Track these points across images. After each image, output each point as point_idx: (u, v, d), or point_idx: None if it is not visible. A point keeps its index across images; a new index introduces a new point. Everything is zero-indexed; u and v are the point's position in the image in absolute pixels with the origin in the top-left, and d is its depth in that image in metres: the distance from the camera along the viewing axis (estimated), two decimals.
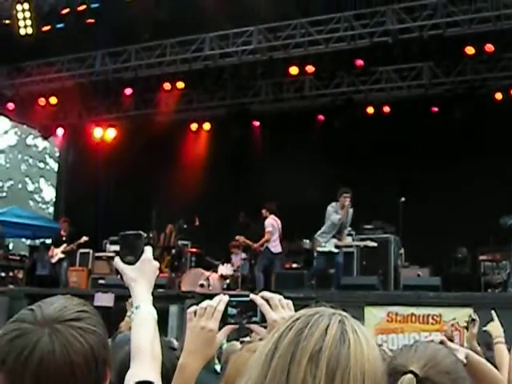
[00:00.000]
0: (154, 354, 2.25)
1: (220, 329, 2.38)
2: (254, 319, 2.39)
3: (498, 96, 17.33)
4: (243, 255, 17.11)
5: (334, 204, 14.43)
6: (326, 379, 1.44)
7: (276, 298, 2.39)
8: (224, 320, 2.39)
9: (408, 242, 15.49)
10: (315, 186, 16.67)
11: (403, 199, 15.15)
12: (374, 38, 16.01)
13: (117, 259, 2.47)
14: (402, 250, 15.68)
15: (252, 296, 2.39)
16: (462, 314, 11.93)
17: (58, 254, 17.74)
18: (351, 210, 14.48)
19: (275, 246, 15.97)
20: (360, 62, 17.25)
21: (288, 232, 15.97)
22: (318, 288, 14.44)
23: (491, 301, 12.47)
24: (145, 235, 2.53)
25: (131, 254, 2.46)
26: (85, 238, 17.68)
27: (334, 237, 14.46)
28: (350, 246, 15.23)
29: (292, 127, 18.62)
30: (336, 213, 14.35)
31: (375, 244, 14.78)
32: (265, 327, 2.33)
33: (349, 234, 15.46)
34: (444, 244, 15.59)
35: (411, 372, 2.27)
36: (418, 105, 17.80)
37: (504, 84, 17.25)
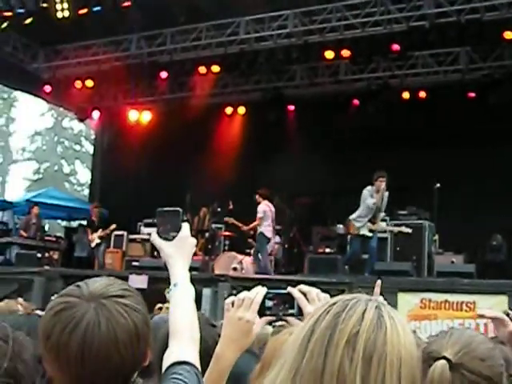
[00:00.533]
0: (192, 333, 2.26)
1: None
2: (290, 311, 2.40)
3: None
4: (277, 239, 17.13)
5: (369, 188, 14.33)
6: (363, 363, 1.46)
7: (313, 291, 2.40)
8: (261, 312, 2.40)
9: (442, 229, 15.36)
10: (349, 171, 16.65)
11: (438, 185, 15.02)
12: (410, 23, 15.87)
13: (154, 235, 2.48)
14: (437, 237, 15.56)
15: (289, 289, 2.40)
16: (497, 302, 11.85)
17: (95, 238, 17.90)
18: (386, 194, 14.38)
19: (268, 231, 16.03)
20: (396, 47, 17.10)
21: (321, 217, 15.95)
22: (352, 273, 14.40)
23: None
24: (182, 212, 2.54)
25: (169, 230, 2.46)
26: (113, 226, 17.87)
27: (369, 221, 14.40)
28: (384, 232, 15.18)
29: (327, 112, 18.54)
30: (371, 197, 14.27)
31: (409, 230, 14.67)
32: (301, 320, 2.32)
33: (383, 220, 15.39)
34: (479, 231, 15.46)
35: (444, 358, 2.26)
36: (454, 90, 17.63)
37: None
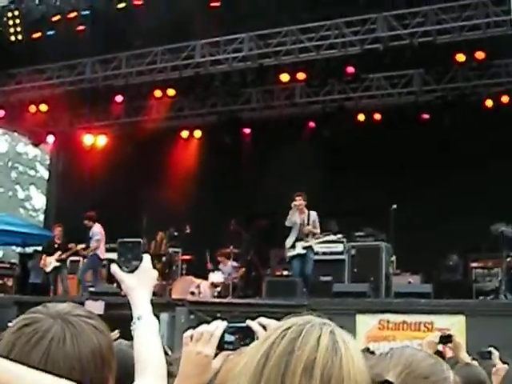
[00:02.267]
0: (158, 369, 2.22)
1: (216, 355, 2.34)
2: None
3: (489, 103, 17.36)
4: (234, 263, 17.09)
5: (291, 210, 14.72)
6: None
7: (273, 323, 2.36)
8: (221, 346, 2.35)
9: (399, 250, 15.47)
10: (306, 194, 16.65)
11: (394, 206, 15.13)
12: (364, 45, 16.04)
13: (115, 267, 2.44)
14: (394, 258, 15.65)
15: (249, 322, 2.36)
16: (455, 321, 11.94)
17: (52, 262, 17.61)
18: (313, 213, 14.74)
19: (103, 253, 16.98)
20: (351, 69, 17.27)
21: (279, 239, 15.91)
22: (310, 295, 14.39)
23: (483, 308, 12.49)
24: (143, 243, 2.51)
25: (129, 262, 2.43)
26: (81, 246, 17.64)
27: (299, 240, 14.60)
28: (308, 247, 15.25)
29: (283, 134, 18.61)
30: (289, 215, 14.60)
31: (339, 236, 15.17)
32: None
33: (340, 241, 15.48)
34: (435, 251, 15.58)
35: (387, 381, 2.23)
36: (408, 112, 17.84)
37: (494, 91, 17.30)
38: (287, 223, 14.70)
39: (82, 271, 17.28)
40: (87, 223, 17.18)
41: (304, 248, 14.62)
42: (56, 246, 17.77)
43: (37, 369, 1.76)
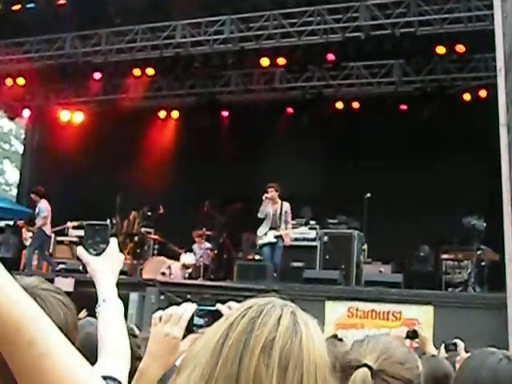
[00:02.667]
0: (122, 349, 2.22)
1: (184, 337, 2.34)
2: None
3: (467, 97, 17.46)
4: (207, 244, 17.09)
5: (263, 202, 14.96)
6: (279, 370, 1.42)
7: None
8: (189, 329, 2.35)
9: (371, 239, 15.56)
10: (281, 177, 16.68)
11: (368, 195, 15.21)
12: (346, 33, 16.03)
13: (81, 249, 2.43)
14: (365, 246, 15.74)
15: (218, 306, 2.36)
16: (423, 311, 12.04)
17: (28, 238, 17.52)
18: (286, 204, 14.98)
19: (49, 229, 16.88)
20: (331, 57, 17.28)
21: (253, 224, 15.94)
22: (281, 280, 14.44)
23: (451, 300, 12.60)
24: (110, 226, 2.50)
25: (96, 245, 2.42)
26: (73, 223, 17.49)
27: (272, 229, 14.81)
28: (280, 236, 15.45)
29: (261, 119, 18.60)
30: (262, 206, 14.84)
31: (308, 230, 15.53)
32: None
33: (312, 228, 15.56)
34: (407, 242, 15.68)
35: (365, 365, 2.27)
36: (387, 102, 17.90)
37: (473, 85, 17.37)
38: (260, 215, 14.88)
39: (30, 248, 16.99)
40: (34, 197, 17.05)
41: (275, 237, 14.82)
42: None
43: None
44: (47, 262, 17.08)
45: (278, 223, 14.92)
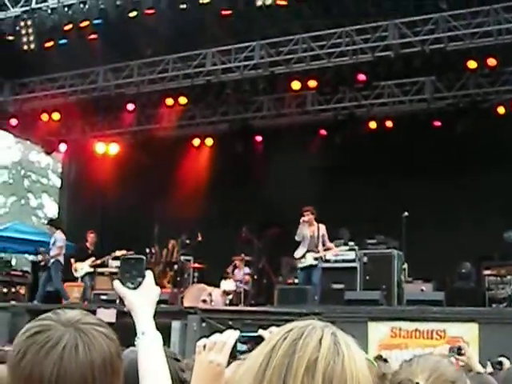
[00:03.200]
0: (163, 379, 2.23)
1: (229, 364, 2.35)
2: None
3: (501, 110, 17.30)
4: (247, 270, 17.08)
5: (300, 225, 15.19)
6: None
7: None
8: (233, 355, 2.36)
9: (411, 257, 15.41)
10: (318, 200, 16.65)
11: (406, 214, 15.09)
12: (375, 53, 16.03)
13: (118, 284, 2.45)
14: (406, 265, 15.60)
15: (260, 332, 2.37)
16: (467, 329, 11.88)
17: (83, 267, 17.69)
18: (322, 226, 15.17)
19: (62, 259, 17.30)
20: (362, 77, 17.24)
21: (291, 247, 15.91)
22: (322, 303, 14.36)
23: (496, 316, 12.43)
24: (146, 260, 2.53)
25: (133, 279, 2.44)
26: (122, 252, 17.48)
27: (310, 251, 14.98)
28: (328, 261, 15.52)
29: (294, 142, 18.59)
30: (299, 229, 15.08)
31: (346, 247, 15.50)
32: None
33: (351, 249, 15.47)
34: (448, 259, 15.50)
35: None
36: (420, 119, 17.81)
37: (506, 98, 17.24)
38: (297, 238, 15.09)
39: (56, 281, 17.16)
40: (49, 229, 17.74)
41: (315, 259, 14.95)
42: (89, 252, 17.91)
43: (49, 377, 1.77)
44: (60, 291, 17.19)
45: (316, 245, 14.93)
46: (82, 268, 17.71)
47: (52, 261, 17.02)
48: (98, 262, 17.77)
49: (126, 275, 2.45)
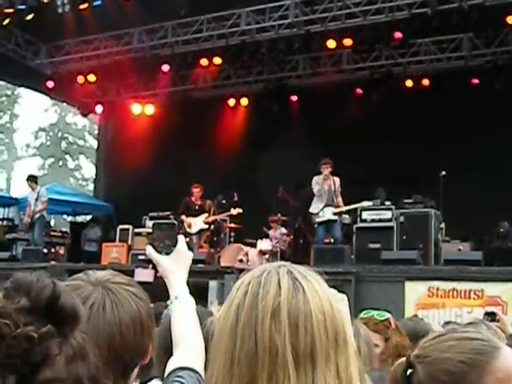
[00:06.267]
0: (196, 344, 2.25)
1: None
2: None
3: None
4: (283, 230, 17.10)
5: (315, 177, 15.17)
6: (290, 329, 1.48)
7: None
8: None
9: (449, 217, 15.31)
10: (353, 161, 16.61)
11: (443, 173, 14.97)
12: (412, 10, 15.82)
13: (150, 249, 2.48)
14: (443, 225, 15.51)
15: None
16: (505, 289, 11.81)
17: (197, 223, 16.75)
18: (337, 179, 15.17)
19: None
20: (398, 35, 17.02)
21: None
22: (358, 262, 14.36)
23: None
24: (177, 224, 2.54)
25: (166, 244, 2.45)
26: (238, 210, 16.82)
27: (328, 205, 15.05)
28: (348, 212, 15.69)
29: (330, 101, 18.47)
30: (317, 184, 15.08)
31: (370, 203, 15.28)
32: None
33: (388, 209, 15.38)
34: (485, 218, 15.39)
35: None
36: (457, 77, 17.58)
37: None
38: (314, 191, 15.12)
39: (38, 235, 17.47)
40: (31, 184, 17.65)
41: (334, 214, 15.05)
42: (196, 207, 16.98)
43: None
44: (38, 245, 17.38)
45: (333, 199, 15.06)
46: (195, 224, 17.21)
47: (37, 216, 17.27)
48: (210, 219, 17.06)
49: (157, 241, 2.47)
